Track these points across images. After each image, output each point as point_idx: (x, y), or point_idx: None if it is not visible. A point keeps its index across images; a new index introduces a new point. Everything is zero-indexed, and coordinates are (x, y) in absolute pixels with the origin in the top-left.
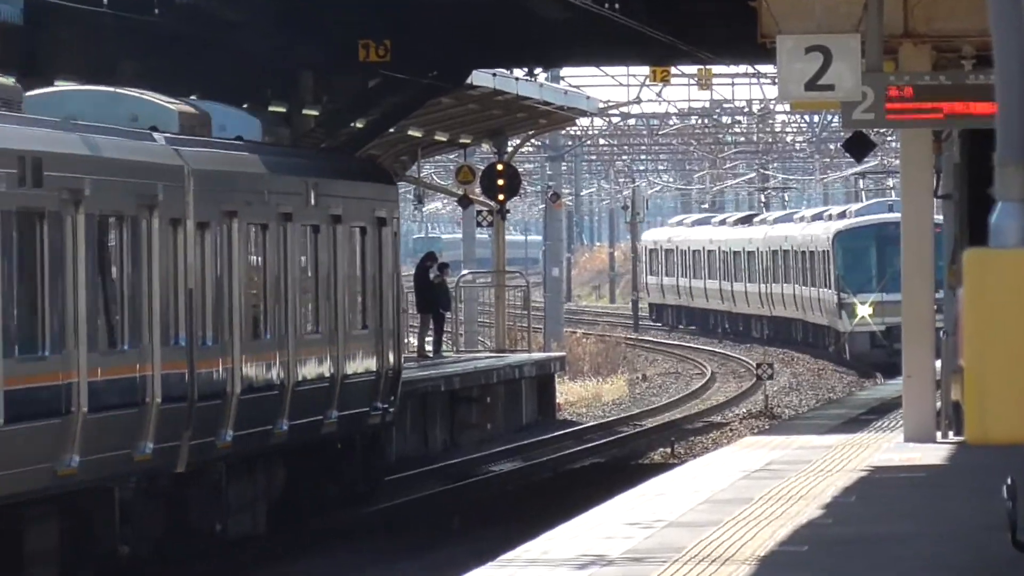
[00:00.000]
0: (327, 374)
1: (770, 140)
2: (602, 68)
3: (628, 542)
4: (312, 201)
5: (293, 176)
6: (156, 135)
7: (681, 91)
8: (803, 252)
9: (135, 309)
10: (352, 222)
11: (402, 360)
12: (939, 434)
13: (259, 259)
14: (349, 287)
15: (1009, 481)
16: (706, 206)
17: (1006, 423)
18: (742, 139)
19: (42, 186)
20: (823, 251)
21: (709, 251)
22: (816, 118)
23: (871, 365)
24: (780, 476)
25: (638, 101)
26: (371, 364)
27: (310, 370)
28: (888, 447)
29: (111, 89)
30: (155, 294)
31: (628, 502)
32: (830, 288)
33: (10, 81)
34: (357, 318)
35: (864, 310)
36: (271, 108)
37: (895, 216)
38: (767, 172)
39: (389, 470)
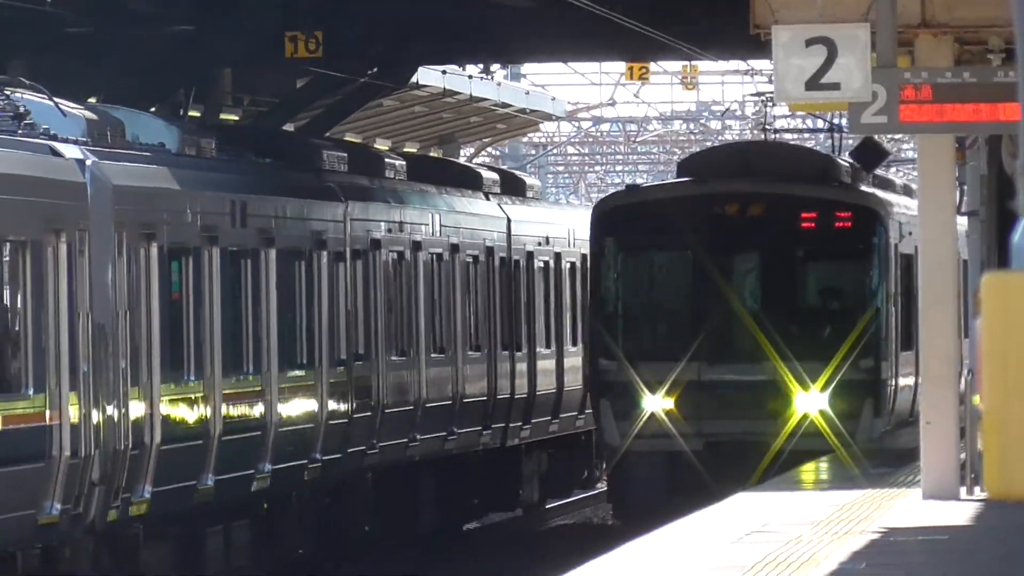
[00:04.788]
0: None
1: None
2: (570, 64)
3: None
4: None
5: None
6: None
7: (663, 91)
8: None
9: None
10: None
11: None
12: (964, 490)
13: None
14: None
15: None
16: None
17: None
18: None
19: None
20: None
21: None
22: (820, 122)
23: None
24: (779, 539)
25: (612, 103)
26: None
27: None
28: (904, 505)
29: None
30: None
31: (606, 569)
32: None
33: None
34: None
35: (654, 403)
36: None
37: (751, 179)
38: None
39: None
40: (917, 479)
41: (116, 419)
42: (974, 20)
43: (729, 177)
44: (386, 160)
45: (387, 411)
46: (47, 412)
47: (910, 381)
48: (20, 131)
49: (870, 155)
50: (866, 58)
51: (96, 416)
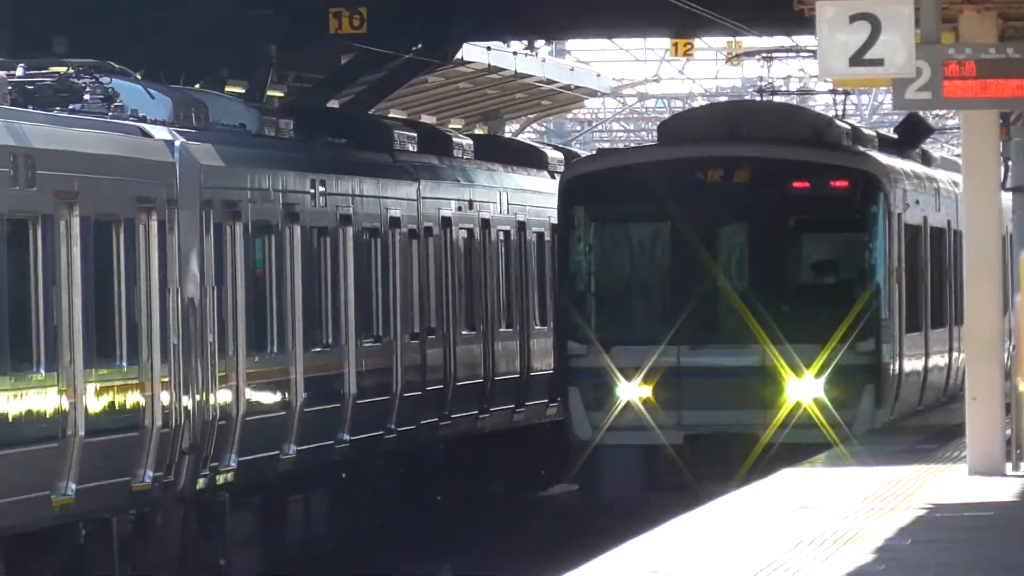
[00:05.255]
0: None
1: None
2: (615, 41)
3: None
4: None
5: None
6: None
7: (708, 67)
8: None
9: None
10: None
11: None
12: (1009, 466)
13: None
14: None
15: None
16: None
17: None
18: None
19: None
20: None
21: None
22: (865, 98)
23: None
24: (825, 515)
25: (657, 79)
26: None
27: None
28: (950, 480)
29: None
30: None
31: (646, 546)
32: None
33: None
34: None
35: (630, 391)
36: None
37: (737, 143)
38: None
39: None
40: (962, 455)
41: (204, 391)
42: None
43: (713, 141)
44: (455, 140)
45: (458, 384)
46: (140, 384)
47: (918, 365)
48: (110, 113)
49: (914, 131)
50: (910, 34)
51: (185, 388)
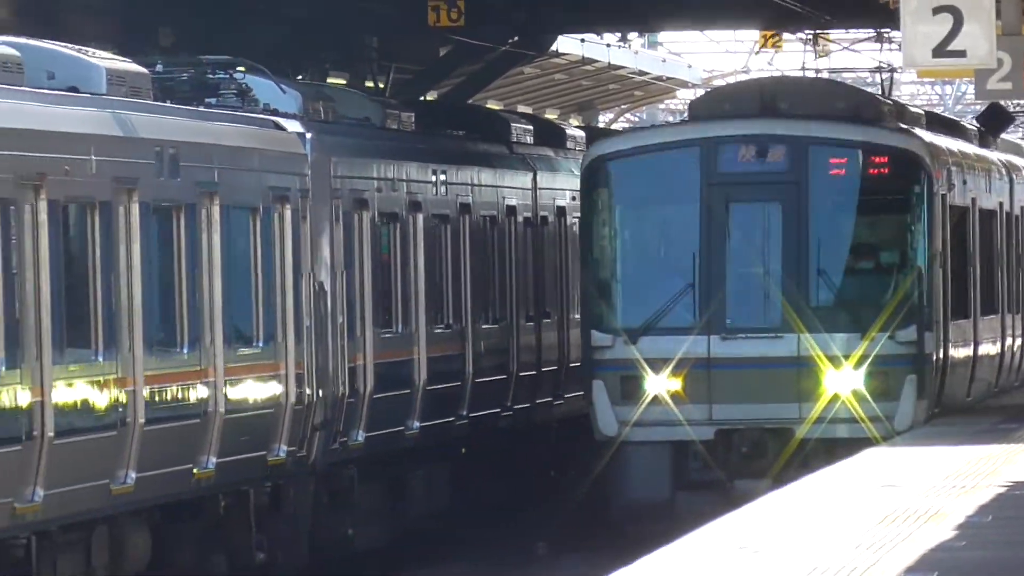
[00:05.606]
0: None
1: None
2: (705, 32)
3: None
4: None
5: None
6: None
7: (795, 59)
8: None
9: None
10: None
11: None
12: None
13: None
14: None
15: None
16: None
17: None
18: None
19: None
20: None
21: None
22: (948, 88)
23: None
24: (908, 492)
25: (746, 70)
26: None
27: None
28: None
29: None
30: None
31: (734, 523)
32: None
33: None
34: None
35: (658, 384)
36: (329, 79)
37: (770, 120)
38: None
39: None
40: None
41: (334, 369)
42: None
43: (745, 118)
44: (568, 132)
45: (570, 365)
46: (275, 364)
47: (965, 355)
48: (245, 107)
49: (996, 120)
50: (991, 26)
51: (317, 366)
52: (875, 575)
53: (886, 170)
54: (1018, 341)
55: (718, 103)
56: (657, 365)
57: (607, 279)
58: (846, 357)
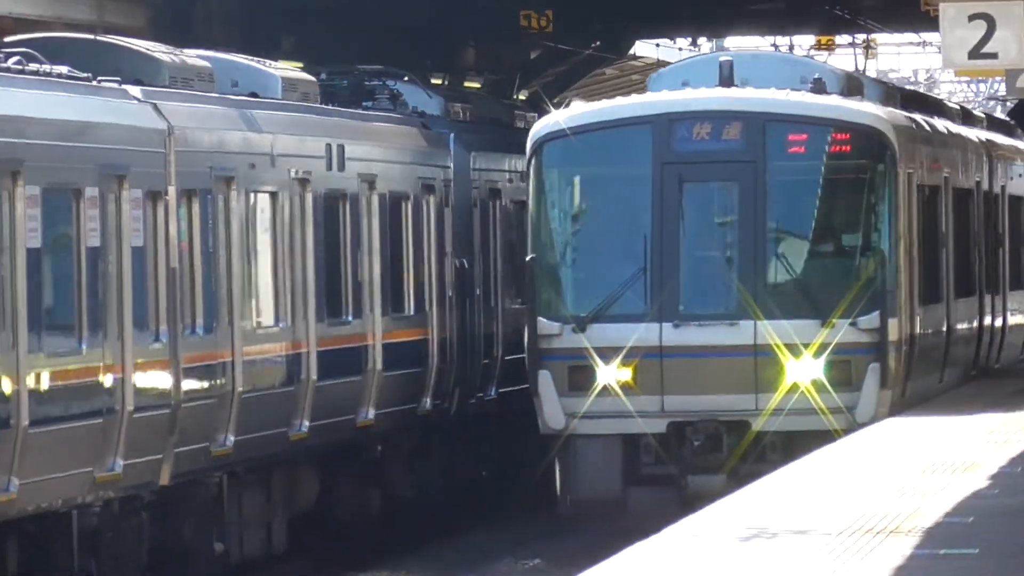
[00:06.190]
0: None
1: None
2: (766, 37)
3: (797, 517)
4: None
5: None
6: None
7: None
8: None
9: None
10: None
11: None
12: None
13: None
14: None
15: None
16: None
17: None
18: None
19: None
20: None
21: None
22: (982, 86)
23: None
24: (946, 447)
25: None
26: None
27: None
28: None
29: None
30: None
31: (791, 476)
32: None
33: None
34: None
35: (608, 374)
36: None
37: (726, 95)
38: None
39: None
40: None
41: (472, 336)
42: None
43: (703, 94)
44: None
45: None
46: (424, 330)
47: (937, 340)
48: (396, 110)
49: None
50: (1021, 30)
51: (457, 333)
52: (917, 521)
53: (848, 148)
54: (998, 322)
55: (676, 78)
56: (607, 354)
57: (554, 264)
58: (805, 345)
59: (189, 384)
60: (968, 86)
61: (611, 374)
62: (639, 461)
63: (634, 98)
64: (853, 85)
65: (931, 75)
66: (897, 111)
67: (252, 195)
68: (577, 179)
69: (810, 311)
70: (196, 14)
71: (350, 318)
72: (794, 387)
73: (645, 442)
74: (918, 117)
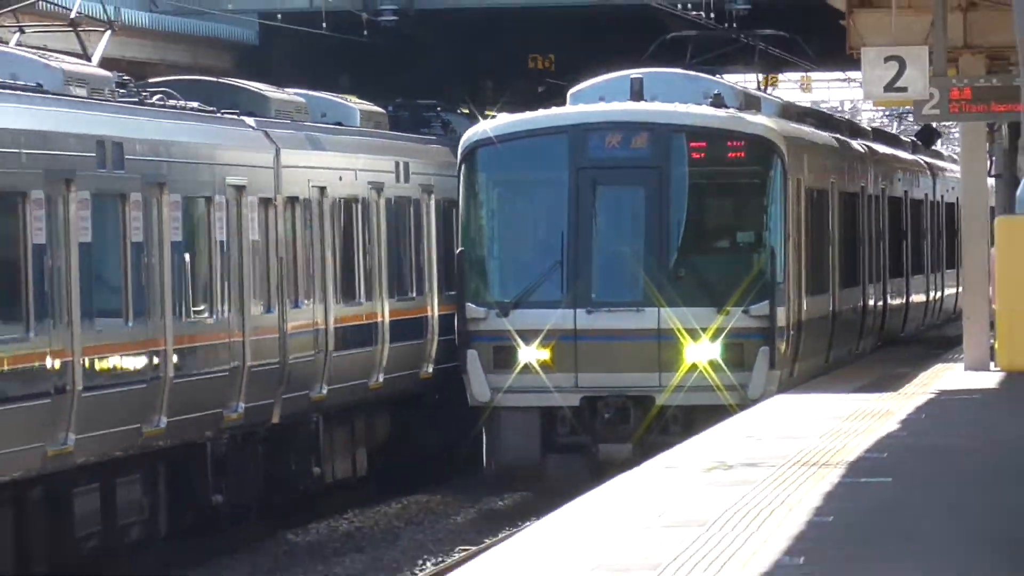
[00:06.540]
0: None
1: None
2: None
3: (744, 453)
4: None
5: None
6: None
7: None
8: None
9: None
10: None
11: None
12: (992, 364)
13: None
14: None
15: None
16: None
17: None
18: None
19: None
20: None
21: None
22: (892, 112)
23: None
24: (866, 399)
25: None
26: None
27: None
28: (952, 375)
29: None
30: None
31: (732, 429)
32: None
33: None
34: None
35: (528, 353)
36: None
37: (635, 108)
38: None
39: None
40: (961, 357)
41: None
42: (1000, 43)
43: (614, 106)
44: None
45: None
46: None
47: (822, 326)
48: (446, 135)
49: (929, 135)
50: (925, 69)
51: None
52: (842, 456)
53: (742, 155)
54: (879, 307)
55: (594, 93)
56: (527, 336)
57: (482, 256)
58: (703, 330)
59: (293, 345)
60: (884, 114)
61: (531, 354)
62: (556, 431)
63: (554, 110)
64: (750, 101)
65: (855, 105)
66: (789, 124)
67: (339, 201)
68: (502, 181)
69: (707, 300)
70: (272, 57)
71: (413, 295)
72: (693, 367)
73: (561, 415)
74: (809, 129)
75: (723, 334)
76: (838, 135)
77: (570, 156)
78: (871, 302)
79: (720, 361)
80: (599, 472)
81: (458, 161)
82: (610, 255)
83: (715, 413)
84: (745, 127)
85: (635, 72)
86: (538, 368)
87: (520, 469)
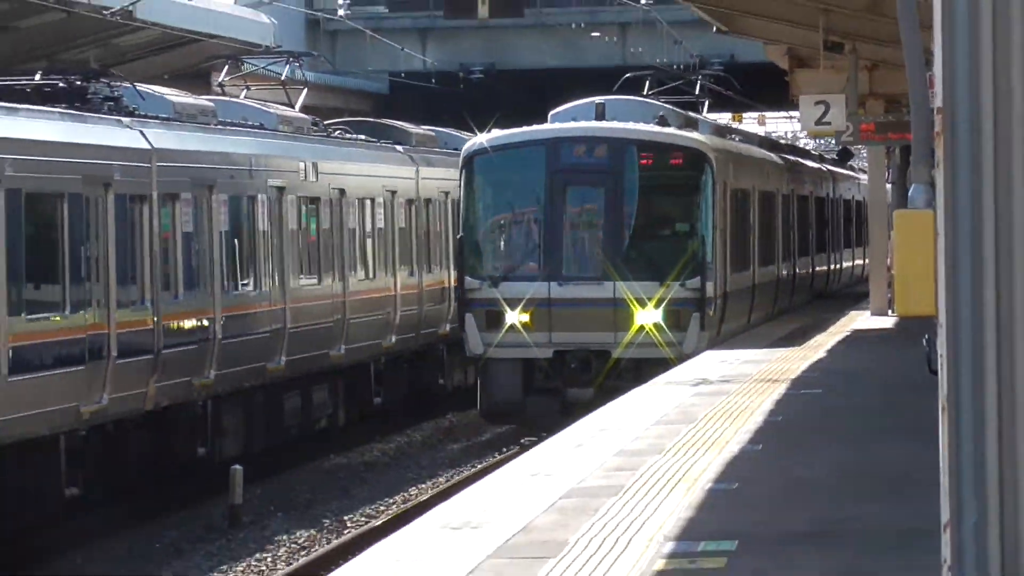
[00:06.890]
0: None
1: None
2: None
3: (721, 375)
4: None
5: None
6: None
7: (749, 126)
8: None
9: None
10: None
11: None
12: (890, 311)
13: None
14: None
15: (926, 336)
16: None
17: (919, 303)
18: None
19: None
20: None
21: None
22: (823, 140)
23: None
24: (801, 338)
25: None
26: None
27: None
28: (863, 319)
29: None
30: None
31: (704, 363)
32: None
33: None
34: None
35: (513, 317)
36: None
37: (598, 126)
38: None
39: None
40: (868, 306)
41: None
42: (895, 92)
43: (581, 125)
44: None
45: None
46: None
47: (744, 296)
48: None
49: (846, 154)
50: (843, 110)
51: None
52: (788, 375)
53: (680, 162)
54: (790, 277)
55: (568, 115)
56: (512, 303)
57: (477, 240)
58: (649, 299)
59: (353, 307)
60: (816, 141)
61: (515, 317)
62: (534, 378)
63: (535, 127)
64: (689, 121)
65: (795, 134)
66: (719, 139)
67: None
68: (493, 182)
69: (652, 276)
70: (400, 103)
71: (435, 272)
72: (641, 328)
73: (539, 365)
74: (735, 144)
75: (664, 303)
76: (760, 148)
77: (547, 163)
78: (784, 274)
79: (662, 324)
80: (568, 410)
81: (459, 166)
82: (577, 240)
83: (658, 364)
84: (683, 141)
85: (599, 98)
86: (520, 328)
87: (506, 407)
